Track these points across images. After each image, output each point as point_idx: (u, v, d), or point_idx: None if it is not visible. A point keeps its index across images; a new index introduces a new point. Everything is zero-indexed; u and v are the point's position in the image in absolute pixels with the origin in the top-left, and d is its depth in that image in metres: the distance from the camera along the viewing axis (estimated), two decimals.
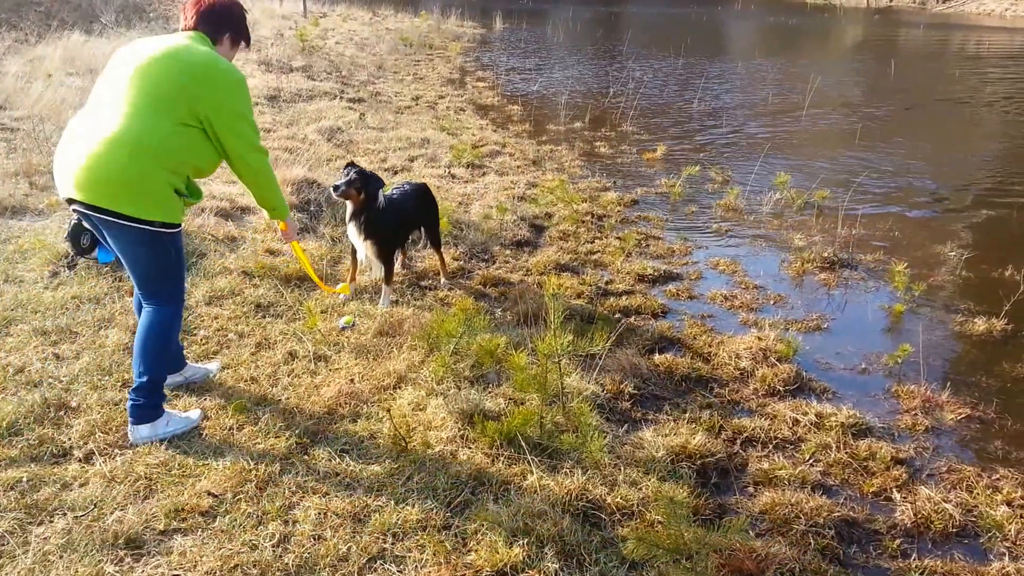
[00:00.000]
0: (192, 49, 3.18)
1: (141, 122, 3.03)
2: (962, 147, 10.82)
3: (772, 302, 5.38)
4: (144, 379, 3.25)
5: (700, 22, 33.52)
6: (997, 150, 10.94)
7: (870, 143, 10.50)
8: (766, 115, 12.69)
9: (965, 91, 15.47)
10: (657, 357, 4.36)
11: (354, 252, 4.94)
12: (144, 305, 3.33)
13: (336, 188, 4.52)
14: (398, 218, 4.88)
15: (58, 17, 16.88)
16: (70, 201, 3.11)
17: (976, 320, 5.09)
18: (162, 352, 3.34)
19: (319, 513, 2.88)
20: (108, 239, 3.21)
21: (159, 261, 3.23)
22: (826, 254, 6.11)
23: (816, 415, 3.86)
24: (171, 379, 3.68)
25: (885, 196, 8.14)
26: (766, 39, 28.21)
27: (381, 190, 4.72)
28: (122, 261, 3.27)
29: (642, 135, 10.73)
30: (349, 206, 4.70)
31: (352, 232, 4.74)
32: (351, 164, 4.75)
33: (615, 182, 8.25)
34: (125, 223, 3.05)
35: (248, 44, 3.61)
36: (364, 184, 4.60)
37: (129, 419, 3.29)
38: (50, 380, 3.71)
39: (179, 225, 3.24)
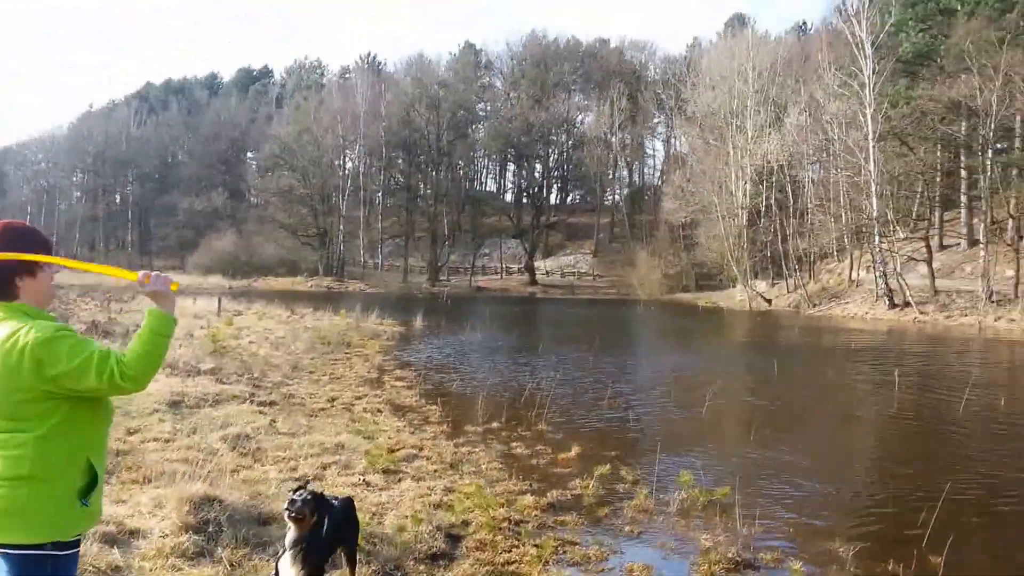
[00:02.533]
0: None
1: None
2: (842, 443, 11.25)
3: None
4: None
5: (608, 321, 35.30)
6: (873, 445, 11.41)
7: (763, 440, 10.76)
8: (671, 411, 13.07)
9: (841, 388, 16.32)
10: None
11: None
12: None
13: (292, 504, 4.22)
14: (332, 541, 4.62)
15: None
16: None
17: None
18: None
19: None
20: None
21: None
22: (730, 555, 6.06)
23: None
24: None
25: (779, 493, 8.24)
26: (667, 337, 29.76)
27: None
28: None
29: (557, 434, 10.80)
30: (292, 531, 4.34)
31: (286, 562, 4.31)
32: (303, 487, 4.53)
33: (532, 485, 8.18)
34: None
35: (47, 251, 2.89)
36: (317, 508, 4.34)
37: None
38: None
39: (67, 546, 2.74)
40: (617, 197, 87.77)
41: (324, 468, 8.30)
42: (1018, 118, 35.52)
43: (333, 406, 12.11)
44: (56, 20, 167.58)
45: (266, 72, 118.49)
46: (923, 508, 7.17)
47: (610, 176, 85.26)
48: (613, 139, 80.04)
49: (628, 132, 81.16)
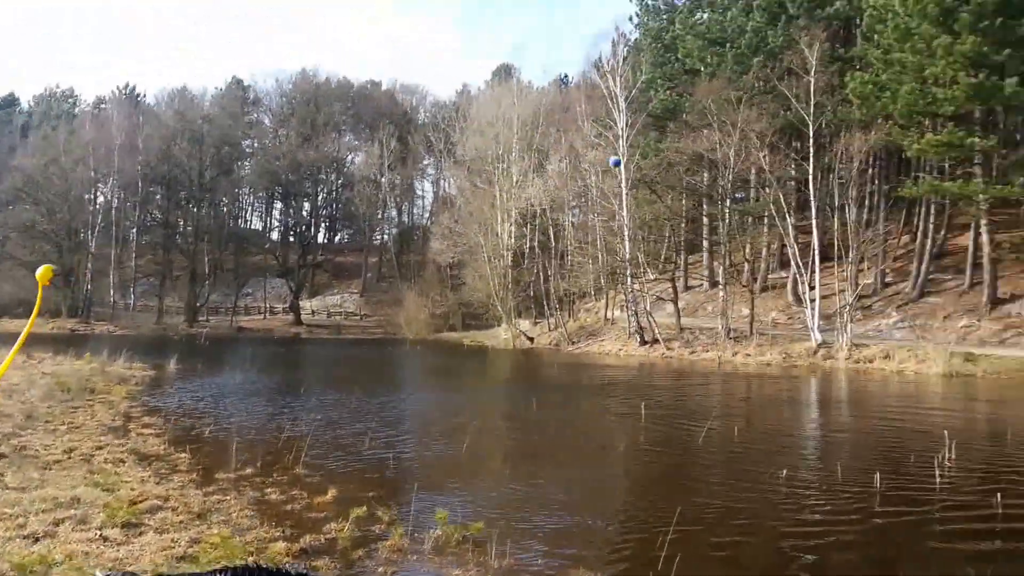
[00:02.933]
0: None
1: None
2: (594, 475, 11.86)
3: None
4: None
5: (373, 361, 35.12)
6: (622, 476, 12.19)
7: (519, 474, 11.21)
8: (431, 449, 13.28)
9: (595, 422, 17.30)
10: None
11: None
12: None
13: None
14: None
15: None
16: None
17: None
18: None
19: None
20: None
21: None
22: None
23: None
24: None
25: (533, 526, 8.56)
26: (432, 376, 30.09)
27: None
28: None
29: (314, 477, 10.63)
30: None
31: None
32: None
33: (284, 531, 8.01)
34: None
35: None
36: None
37: None
38: None
39: None
40: (386, 237, 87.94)
41: (57, 524, 7.69)
42: (753, 170, 39.38)
43: (71, 457, 11.22)
44: (56, 20, 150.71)
45: (12, 100, 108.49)
46: (661, 534, 7.77)
47: (379, 216, 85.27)
48: (383, 179, 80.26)
49: (398, 173, 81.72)
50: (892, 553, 8.02)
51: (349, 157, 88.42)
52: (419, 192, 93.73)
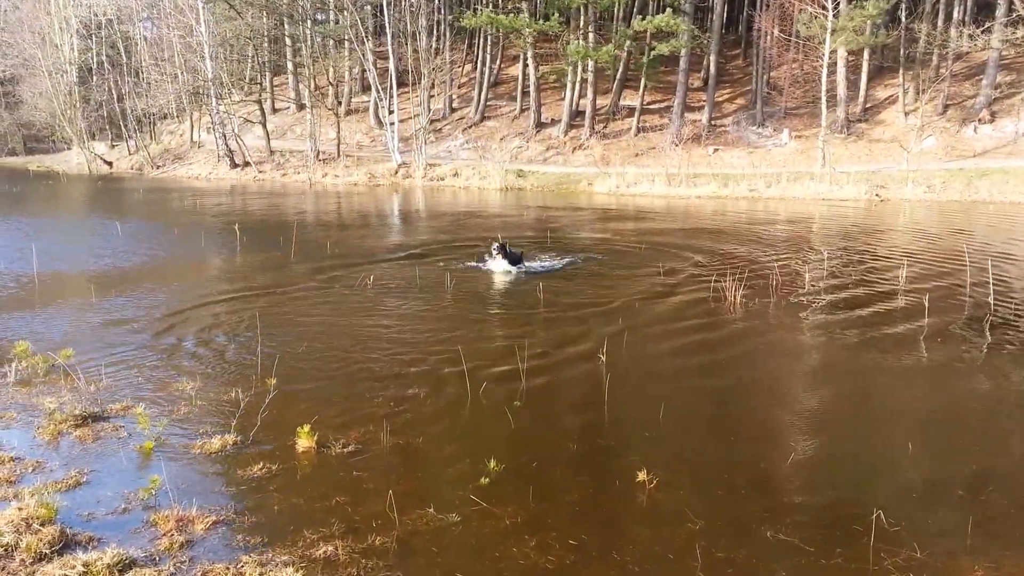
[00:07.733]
0: None
1: None
2: (190, 294, 11.60)
3: (31, 470, 5.20)
4: None
5: None
6: (219, 288, 12.09)
7: (103, 298, 10.58)
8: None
9: (188, 241, 16.67)
10: None
11: None
12: None
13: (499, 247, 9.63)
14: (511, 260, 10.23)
15: None
16: None
17: (212, 439, 5.67)
18: None
19: None
20: None
21: None
22: (77, 411, 6.12)
23: (83, 564, 3.92)
24: None
25: (123, 347, 8.21)
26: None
27: None
28: None
29: None
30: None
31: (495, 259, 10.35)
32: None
33: None
34: None
35: None
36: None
37: None
38: None
39: None
40: None
41: None
42: None
43: None
44: None
45: None
46: (252, 331, 8.04)
47: None
48: None
49: None
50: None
51: None
52: None
